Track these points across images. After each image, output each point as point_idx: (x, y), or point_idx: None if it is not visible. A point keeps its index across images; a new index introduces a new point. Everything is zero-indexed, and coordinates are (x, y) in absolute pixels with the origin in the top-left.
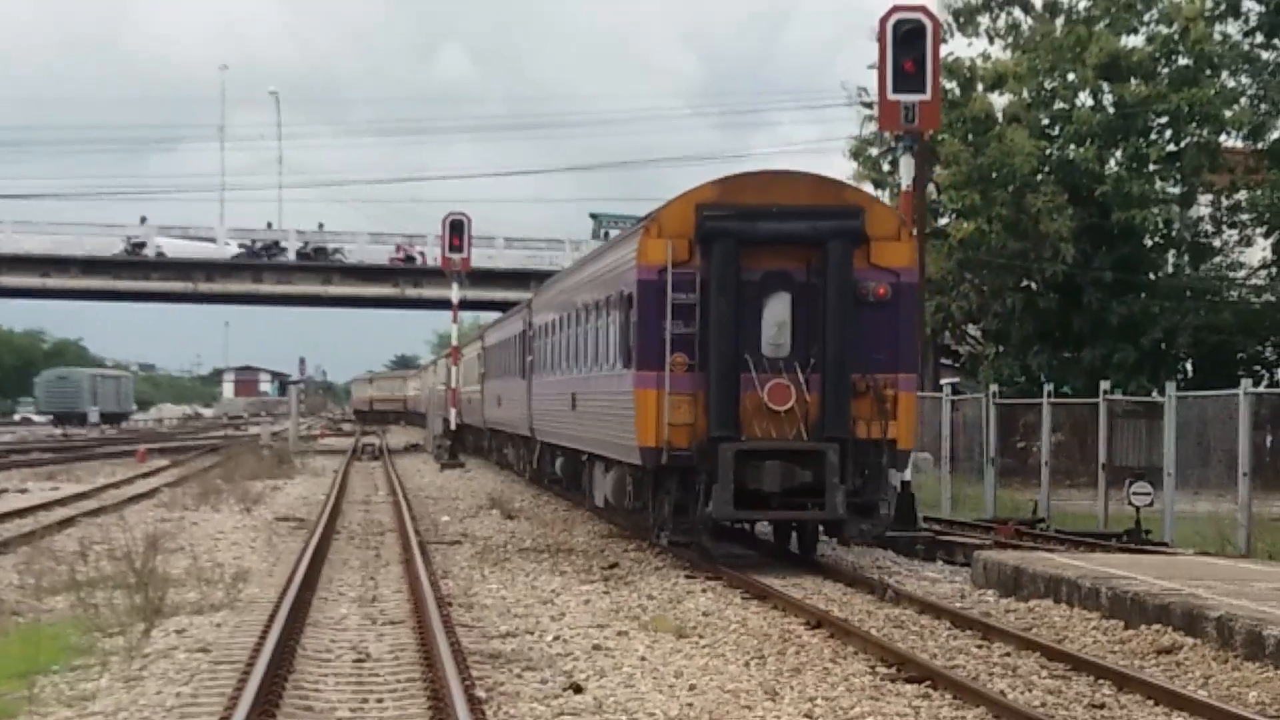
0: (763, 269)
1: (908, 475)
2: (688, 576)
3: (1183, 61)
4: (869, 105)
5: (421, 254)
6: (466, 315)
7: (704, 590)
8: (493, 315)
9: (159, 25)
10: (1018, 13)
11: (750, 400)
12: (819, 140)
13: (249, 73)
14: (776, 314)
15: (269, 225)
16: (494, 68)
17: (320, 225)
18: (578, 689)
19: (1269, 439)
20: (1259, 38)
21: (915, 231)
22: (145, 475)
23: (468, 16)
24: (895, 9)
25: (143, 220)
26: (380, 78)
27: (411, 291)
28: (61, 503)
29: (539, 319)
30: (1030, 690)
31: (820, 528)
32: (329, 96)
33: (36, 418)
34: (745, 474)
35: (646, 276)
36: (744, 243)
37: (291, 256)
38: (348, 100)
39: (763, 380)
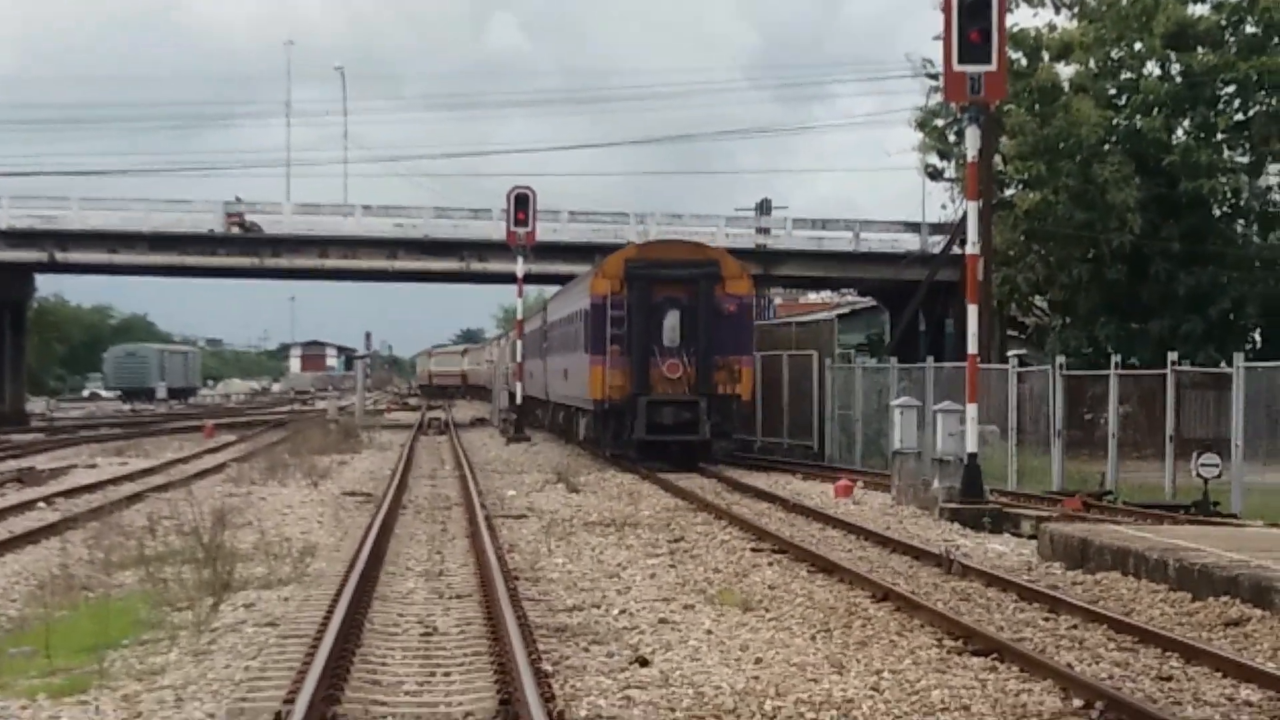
0: (663, 296)
1: (973, 447)
2: (754, 550)
3: (1250, 30)
4: (934, 76)
5: (255, 224)
6: (531, 288)
7: (770, 564)
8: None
9: (207, 2)
10: None
11: (655, 371)
12: (879, 112)
13: (300, 48)
14: (671, 322)
15: None
16: (546, 39)
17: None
18: (644, 662)
19: None
20: None
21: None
22: (213, 450)
23: None
24: None
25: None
26: (432, 51)
27: (477, 266)
28: (130, 478)
29: (550, 318)
30: (1098, 662)
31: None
32: (381, 71)
33: (105, 393)
34: (653, 414)
35: (596, 301)
36: (652, 281)
37: None
38: (400, 75)
39: (663, 359)
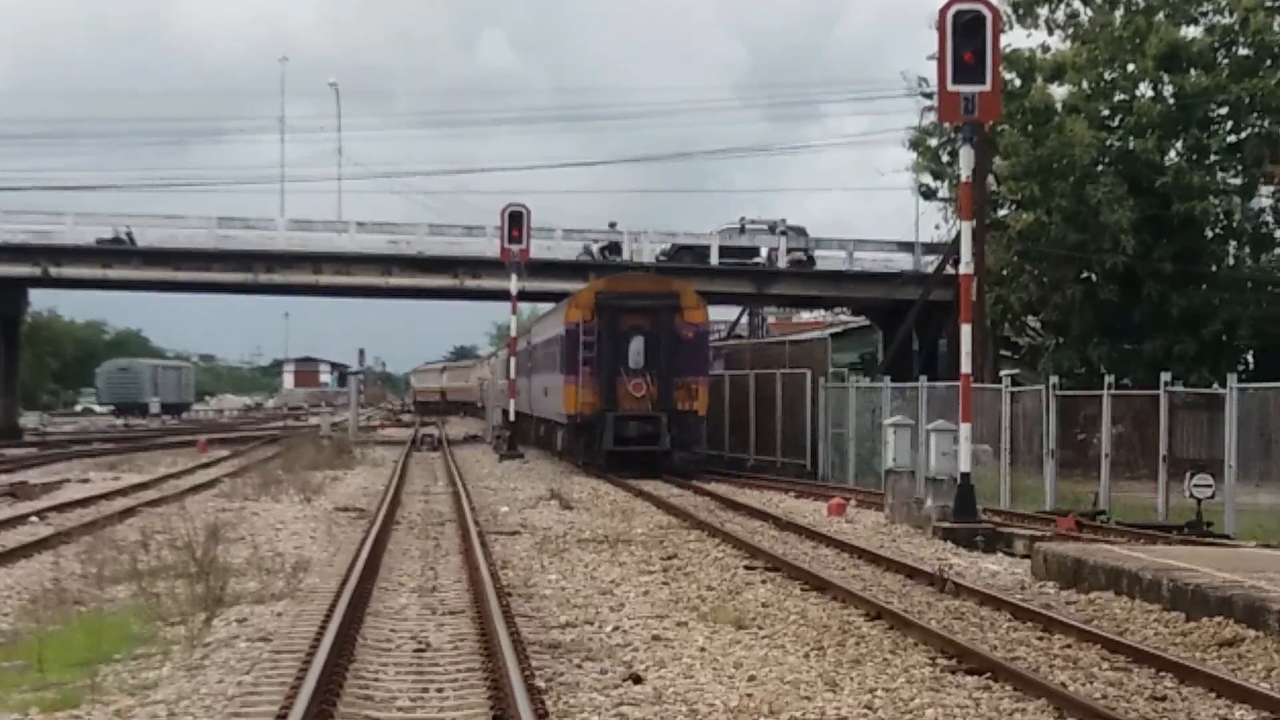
0: (629, 324)
1: (966, 466)
2: (747, 568)
3: (1243, 52)
4: (928, 96)
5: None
6: (525, 306)
7: (763, 581)
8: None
9: (197, 17)
10: (1077, 4)
11: (622, 389)
12: (872, 131)
13: (289, 64)
14: (636, 347)
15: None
16: (536, 57)
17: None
18: (637, 679)
19: None
20: None
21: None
22: (206, 465)
23: (508, 3)
24: (955, 0)
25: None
26: (422, 68)
27: (471, 283)
28: (123, 493)
29: (534, 341)
30: (1091, 682)
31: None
32: (370, 88)
33: (98, 408)
34: (620, 428)
35: (570, 328)
36: (619, 311)
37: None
38: (390, 91)
39: (629, 379)
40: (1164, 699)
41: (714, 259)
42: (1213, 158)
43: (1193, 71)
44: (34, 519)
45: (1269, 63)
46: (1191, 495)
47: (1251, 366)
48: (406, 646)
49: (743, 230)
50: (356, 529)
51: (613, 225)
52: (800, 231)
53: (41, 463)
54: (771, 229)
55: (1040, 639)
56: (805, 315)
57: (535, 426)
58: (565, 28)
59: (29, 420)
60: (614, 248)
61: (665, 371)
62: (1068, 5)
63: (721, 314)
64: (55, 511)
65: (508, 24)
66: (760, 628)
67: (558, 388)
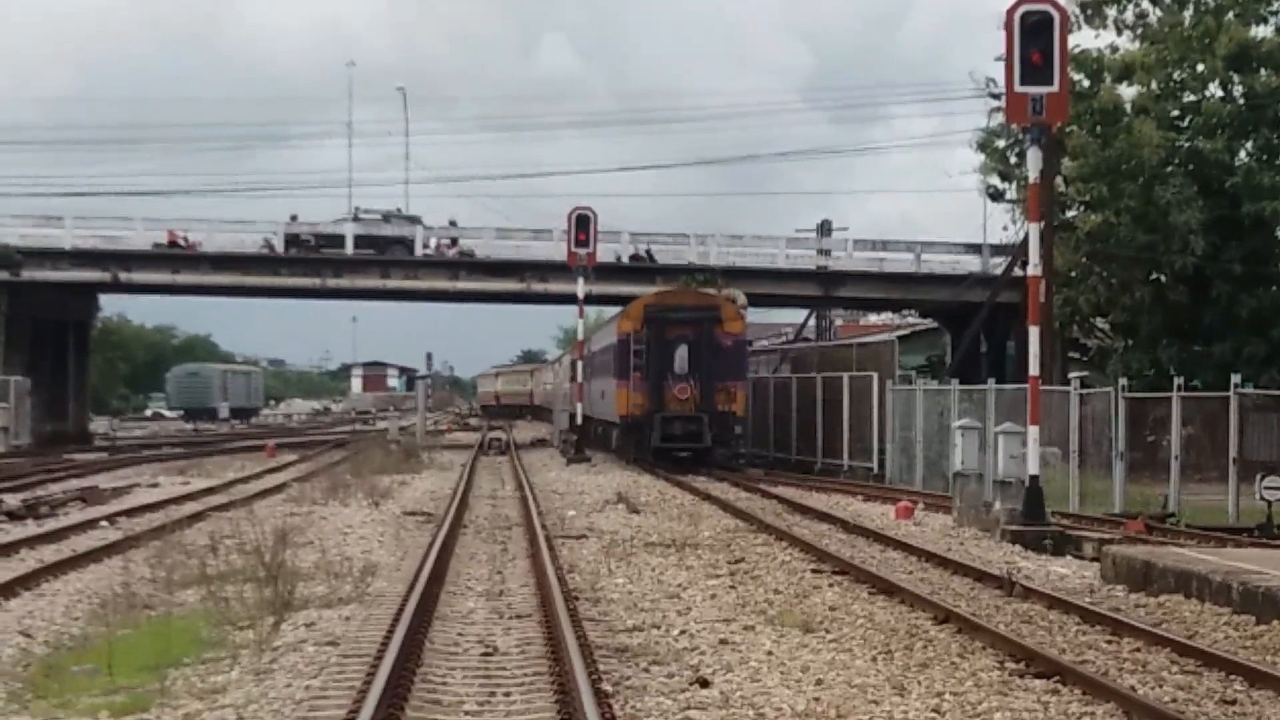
0: (674, 334)
1: (1035, 469)
2: (814, 571)
3: None
4: (996, 96)
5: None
6: (592, 309)
7: (830, 585)
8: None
9: (258, 22)
10: (1145, 4)
11: (669, 393)
12: (940, 133)
13: (351, 70)
14: (681, 354)
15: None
16: (598, 61)
17: (452, 221)
18: (704, 683)
19: None
20: None
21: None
22: (274, 470)
23: (567, 7)
24: (1022, 0)
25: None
26: (483, 72)
27: (538, 286)
28: (192, 497)
29: (592, 348)
30: (1160, 686)
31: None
32: (433, 93)
33: (167, 413)
34: (666, 427)
35: (622, 338)
36: (665, 322)
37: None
38: (452, 96)
39: (674, 384)
40: (1234, 702)
41: (349, 248)
42: None
43: (1263, 71)
44: (104, 523)
45: None
46: (1262, 497)
47: None
48: (474, 650)
49: (356, 218)
50: (424, 533)
51: (293, 217)
52: (413, 220)
53: (111, 467)
54: (385, 218)
55: (1109, 642)
56: (873, 318)
57: (593, 427)
58: (627, 31)
59: (99, 425)
60: (294, 239)
61: (707, 376)
62: (1136, 5)
63: (788, 316)
64: (125, 516)
65: (568, 28)
66: (828, 631)
67: (611, 392)
